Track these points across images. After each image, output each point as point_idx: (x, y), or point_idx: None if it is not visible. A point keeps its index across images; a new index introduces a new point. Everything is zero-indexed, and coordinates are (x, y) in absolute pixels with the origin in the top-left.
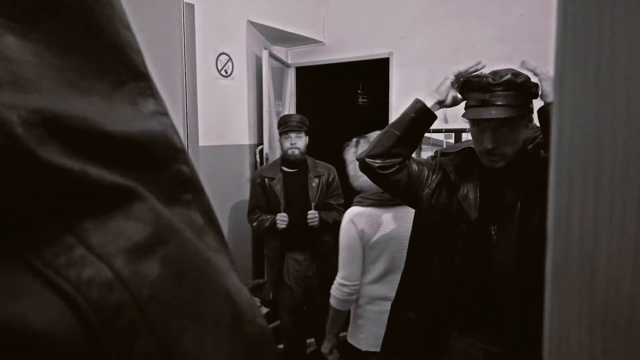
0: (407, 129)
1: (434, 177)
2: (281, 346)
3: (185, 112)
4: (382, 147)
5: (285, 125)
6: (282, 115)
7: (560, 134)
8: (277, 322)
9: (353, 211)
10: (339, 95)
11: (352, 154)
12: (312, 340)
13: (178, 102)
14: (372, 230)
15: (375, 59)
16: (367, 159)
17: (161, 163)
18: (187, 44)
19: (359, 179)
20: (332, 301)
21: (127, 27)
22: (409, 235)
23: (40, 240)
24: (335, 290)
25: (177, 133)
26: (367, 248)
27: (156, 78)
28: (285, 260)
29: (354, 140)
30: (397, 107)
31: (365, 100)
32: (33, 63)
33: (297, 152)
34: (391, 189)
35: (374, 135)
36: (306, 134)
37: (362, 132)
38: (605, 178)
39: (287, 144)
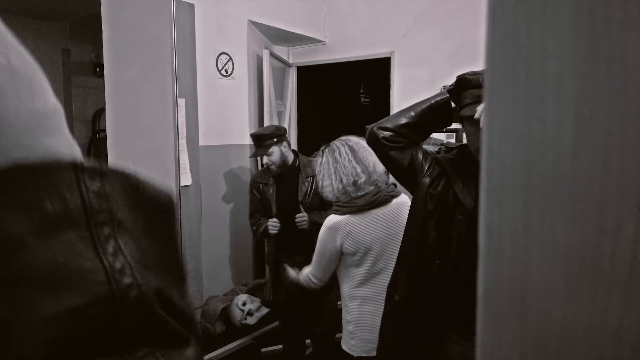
0: (423, 113)
1: (435, 167)
2: (279, 347)
3: (176, 112)
4: (393, 122)
5: (257, 150)
6: (252, 133)
7: (490, 156)
8: (277, 323)
9: (331, 220)
10: (341, 95)
11: (319, 164)
12: (309, 341)
13: (168, 102)
14: (352, 237)
15: (376, 58)
16: (375, 128)
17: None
18: (187, 44)
19: (325, 189)
20: (300, 280)
21: (180, 252)
22: (389, 236)
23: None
24: (304, 279)
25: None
26: (349, 255)
27: (149, 78)
28: (283, 263)
29: (321, 149)
30: (399, 106)
31: (367, 99)
32: (150, 257)
33: (274, 166)
34: (390, 166)
35: (351, 137)
36: (280, 141)
37: (364, 132)
38: (536, 202)
39: (264, 161)
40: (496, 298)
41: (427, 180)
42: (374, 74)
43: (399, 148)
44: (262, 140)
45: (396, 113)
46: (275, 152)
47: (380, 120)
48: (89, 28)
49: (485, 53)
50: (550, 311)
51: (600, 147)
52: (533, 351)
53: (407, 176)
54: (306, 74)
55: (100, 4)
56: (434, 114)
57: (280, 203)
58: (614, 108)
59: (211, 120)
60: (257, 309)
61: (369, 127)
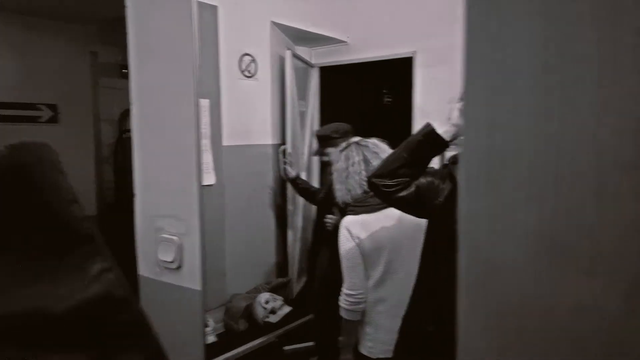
0: (414, 151)
1: (444, 186)
2: (302, 345)
3: (198, 112)
4: (388, 168)
5: (316, 150)
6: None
7: (466, 146)
8: (303, 320)
9: (347, 221)
10: (363, 95)
11: (336, 163)
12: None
13: (191, 102)
14: (368, 236)
15: (399, 58)
16: (373, 178)
17: (103, 320)
18: (210, 45)
19: (337, 192)
20: (340, 312)
21: (73, 201)
22: (405, 236)
23: None
24: (341, 300)
25: (122, 284)
26: (365, 254)
27: (172, 79)
28: (317, 258)
29: (339, 149)
30: (421, 107)
31: (390, 99)
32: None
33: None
34: (398, 206)
35: (370, 141)
36: (336, 143)
37: (386, 132)
38: (502, 187)
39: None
40: (472, 275)
41: (438, 203)
42: (397, 73)
43: (401, 189)
44: (325, 140)
45: (388, 157)
46: (334, 151)
47: (376, 169)
48: (115, 31)
49: (463, 57)
50: (513, 287)
51: (555, 136)
52: (496, 323)
53: (416, 209)
54: (329, 74)
55: (125, 7)
56: (424, 149)
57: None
58: (568, 99)
59: (234, 120)
60: (280, 308)
61: (367, 176)
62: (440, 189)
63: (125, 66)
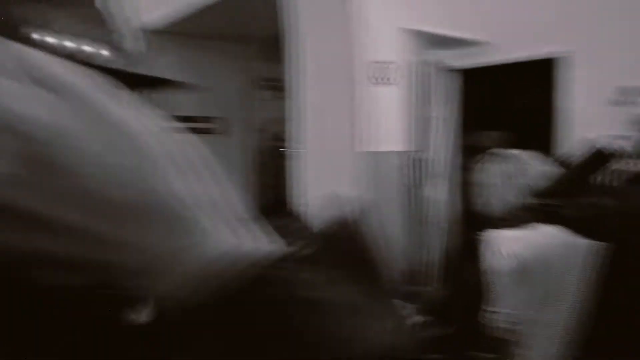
0: (577, 169)
1: (616, 204)
2: (448, 358)
3: (352, 123)
4: (549, 187)
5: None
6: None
7: None
8: (437, 331)
9: (497, 235)
10: (504, 99)
11: (481, 177)
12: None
13: (344, 114)
14: (521, 252)
15: (545, 59)
16: (532, 198)
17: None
18: (346, 54)
19: (480, 206)
20: (490, 330)
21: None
22: (573, 256)
23: None
24: (490, 318)
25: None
26: (519, 272)
27: (328, 92)
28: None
29: (487, 156)
30: (572, 112)
31: (531, 103)
32: None
33: None
34: (564, 226)
35: (512, 152)
36: (486, 153)
37: (527, 139)
38: None
39: None
40: None
41: (608, 224)
42: (542, 75)
43: (565, 208)
44: (465, 151)
45: (553, 181)
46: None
47: (536, 188)
48: (272, 48)
49: None
50: None
51: None
52: None
53: (579, 228)
54: (466, 77)
55: (283, 26)
56: (589, 163)
57: None
58: None
59: (369, 127)
60: (410, 316)
61: (532, 204)
62: (617, 210)
63: (271, 79)
